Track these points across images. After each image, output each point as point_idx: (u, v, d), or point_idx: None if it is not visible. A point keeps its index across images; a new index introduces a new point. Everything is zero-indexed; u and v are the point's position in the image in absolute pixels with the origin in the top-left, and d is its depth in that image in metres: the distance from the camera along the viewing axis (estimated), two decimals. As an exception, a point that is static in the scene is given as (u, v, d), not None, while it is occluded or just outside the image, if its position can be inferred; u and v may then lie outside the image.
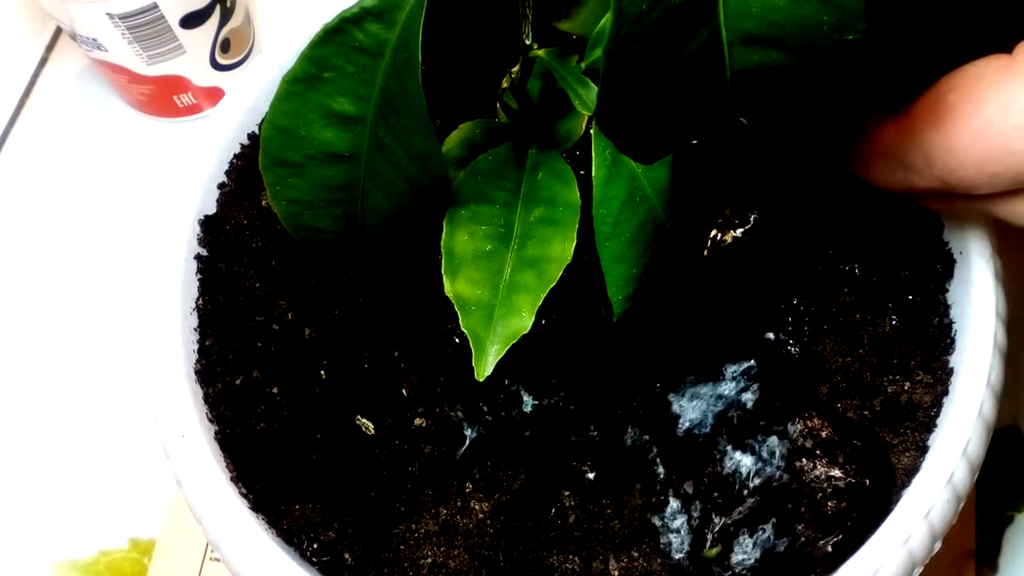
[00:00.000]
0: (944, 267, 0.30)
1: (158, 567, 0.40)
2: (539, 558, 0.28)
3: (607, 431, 0.30)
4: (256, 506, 0.28)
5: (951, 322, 0.30)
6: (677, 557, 0.27)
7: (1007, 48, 0.23)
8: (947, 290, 0.30)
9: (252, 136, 0.34)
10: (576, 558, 0.27)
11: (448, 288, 0.25)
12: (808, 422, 0.28)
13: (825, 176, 0.32)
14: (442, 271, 0.25)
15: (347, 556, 0.28)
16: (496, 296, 0.25)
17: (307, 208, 0.26)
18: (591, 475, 0.29)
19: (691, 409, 0.30)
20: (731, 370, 0.30)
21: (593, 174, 0.23)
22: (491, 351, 0.25)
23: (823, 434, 0.28)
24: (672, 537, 0.28)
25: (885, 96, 0.26)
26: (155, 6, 0.45)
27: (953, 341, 0.29)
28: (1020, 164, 0.23)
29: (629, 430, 0.30)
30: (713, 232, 0.32)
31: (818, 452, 0.28)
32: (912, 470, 0.27)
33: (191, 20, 0.47)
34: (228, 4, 0.49)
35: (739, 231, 0.32)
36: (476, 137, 0.28)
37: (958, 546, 0.38)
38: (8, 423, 0.45)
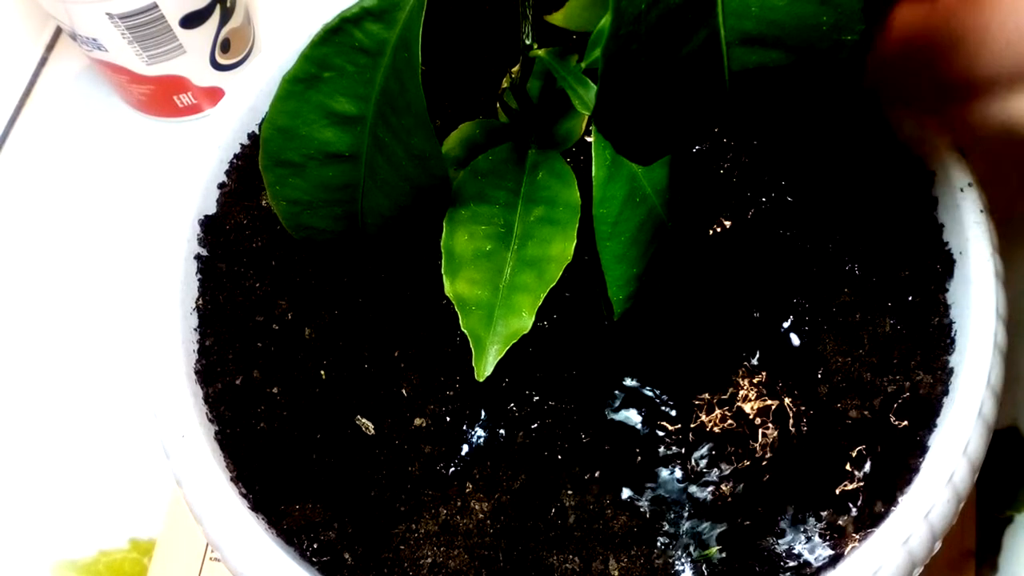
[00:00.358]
0: (944, 267, 0.30)
1: (158, 567, 0.40)
2: (539, 558, 0.28)
3: (607, 431, 0.30)
4: (256, 506, 0.28)
5: (951, 322, 0.30)
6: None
7: None
8: (947, 290, 0.30)
9: (252, 136, 0.34)
10: (576, 558, 0.27)
11: (448, 288, 0.25)
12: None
13: (825, 176, 0.32)
14: (442, 271, 0.25)
15: (347, 556, 0.28)
16: (496, 296, 0.25)
17: (307, 208, 0.26)
18: (591, 475, 0.29)
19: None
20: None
21: (593, 174, 0.23)
22: (491, 351, 0.25)
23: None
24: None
25: None
26: (155, 6, 0.45)
27: (953, 341, 0.29)
28: None
29: (629, 430, 0.30)
30: (713, 232, 0.32)
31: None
32: (912, 469, 0.27)
33: (191, 20, 0.47)
34: (228, 4, 0.49)
35: (738, 231, 0.32)
36: (476, 137, 0.28)
37: (958, 546, 0.38)
38: (8, 423, 0.45)
